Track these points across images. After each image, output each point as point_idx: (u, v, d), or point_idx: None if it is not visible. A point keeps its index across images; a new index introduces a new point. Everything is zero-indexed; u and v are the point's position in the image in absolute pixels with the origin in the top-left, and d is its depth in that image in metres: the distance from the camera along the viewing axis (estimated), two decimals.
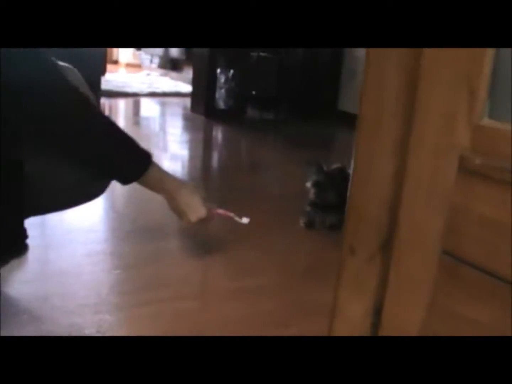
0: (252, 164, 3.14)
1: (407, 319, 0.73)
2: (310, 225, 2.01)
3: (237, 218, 1.64)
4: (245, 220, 1.65)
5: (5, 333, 1.15)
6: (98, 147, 1.24)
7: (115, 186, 1.37)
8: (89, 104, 1.22)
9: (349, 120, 3.90)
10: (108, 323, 1.26)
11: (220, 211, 1.61)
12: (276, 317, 1.37)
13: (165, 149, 3.15)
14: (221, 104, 4.07)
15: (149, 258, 1.67)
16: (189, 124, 4.04)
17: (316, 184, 2.00)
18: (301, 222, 2.02)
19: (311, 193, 2.01)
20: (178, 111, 4.50)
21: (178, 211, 1.46)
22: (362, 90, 0.75)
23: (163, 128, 3.90)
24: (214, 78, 3.97)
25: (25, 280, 1.45)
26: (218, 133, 3.84)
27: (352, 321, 0.96)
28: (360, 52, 3.99)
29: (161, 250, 1.76)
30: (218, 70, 4.02)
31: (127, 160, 1.32)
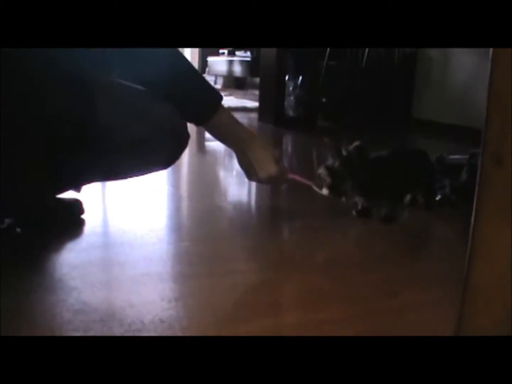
0: None
1: None
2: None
3: (316, 188, 1.45)
4: (325, 191, 1.45)
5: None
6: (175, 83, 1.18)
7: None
8: None
9: (424, 128, 3.68)
10: (173, 291, 1.12)
11: (297, 176, 1.42)
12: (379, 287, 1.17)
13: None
14: (290, 112, 3.88)
15: (219, 232, 1.47)
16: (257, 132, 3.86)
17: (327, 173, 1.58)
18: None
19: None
20: (245, 121, 4.34)
21: (247, 166, 1.30)
22: None
23: None
24: (282, 84, 3.80)
25: (81, 249, 1.27)
26: (288, 141, 3.64)
27: (498, 258, 0.74)
28: (433, 52, 3.76)
29: (232, 225, 1.58)
30: (287, 77, 3.85)
31: (201, 97, 1.19)
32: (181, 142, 1.23)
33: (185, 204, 1.87)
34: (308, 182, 1.48)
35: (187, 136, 1.24)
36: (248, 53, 5.66)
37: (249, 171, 1.34)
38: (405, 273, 1.26)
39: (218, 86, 6.59)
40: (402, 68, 3.99)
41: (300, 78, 3.90)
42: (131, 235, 1.40)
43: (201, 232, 1.50)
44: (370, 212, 1.62)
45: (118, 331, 0.91)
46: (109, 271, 1.22)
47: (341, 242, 1.52)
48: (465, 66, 3.51)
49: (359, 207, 1.62)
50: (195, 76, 1.23)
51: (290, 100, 3.91)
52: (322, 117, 4.02)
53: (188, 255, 1.33)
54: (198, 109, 1.24)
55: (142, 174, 1.27)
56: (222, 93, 4.45)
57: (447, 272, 1.24)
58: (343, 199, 1.56)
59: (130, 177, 1.32)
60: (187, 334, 0.91)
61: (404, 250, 1.45)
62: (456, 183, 1.88)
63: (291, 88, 3.92)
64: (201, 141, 3.15)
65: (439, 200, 1.86)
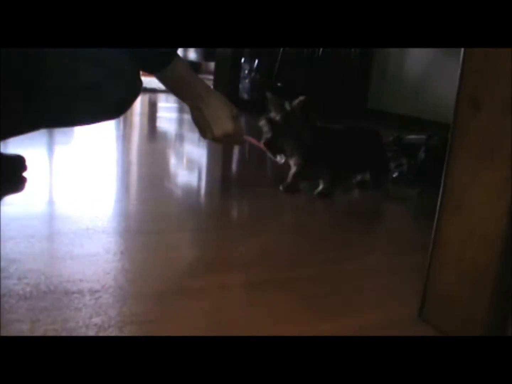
0: None
1: None
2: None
3: (270, 154, 1.39)
4: (279, 159, 1.40)
5: None
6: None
7: None
8: None
9: (379, 118, 3.67)
10: (119, 244, 1.05)
11: (252, 139, 1.35)
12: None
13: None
14: (244, 95, 3.82)
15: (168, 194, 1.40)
16: None
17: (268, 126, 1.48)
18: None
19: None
20: None
21: (201, 122, 1.23)
22: None
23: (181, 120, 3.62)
24: (237, 68, 3.72)
25: (22, 204, 1.18)
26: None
27: (469, 210, 0.70)
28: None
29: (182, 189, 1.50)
30: (242, 60, 3.78)
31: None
32: (134, 88, 1.15)
33: (134, 169, 1.78)
34: (263, 147, 1.41)
35: (140, 83, 1.16)
36: None
37: (204, 127, 1.27)
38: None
39: None
40: (359, 58, 3.98)
41: (256, 61, 3.85)
42: (77, 195, 1.31)
43: (150, 194, 1.43)
44: (298, 187, 1.57)
45: (56, 280, 0.83)
46: (50, 225, 1.13)
47: (290, 209, 1.47)
48: (420, 59, 3.52)
49: (289, 180, 1.56)
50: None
51: (245, 84, 3.85)
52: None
53: (136, 213, 1.25)
54: (153, 56, 1.16)
55: (92, 122, 1.18)
56: None
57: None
58: (278, 158, 1.47)
59: (79, 124, 1.23)
60: (132, 286, 0.85)
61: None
62: (413, 162, 1.87)
63: (246, 72, 3.86)
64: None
65: (395, 177, 1.83)
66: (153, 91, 4.36)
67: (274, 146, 1.47)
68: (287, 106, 1.49)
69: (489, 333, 0.73)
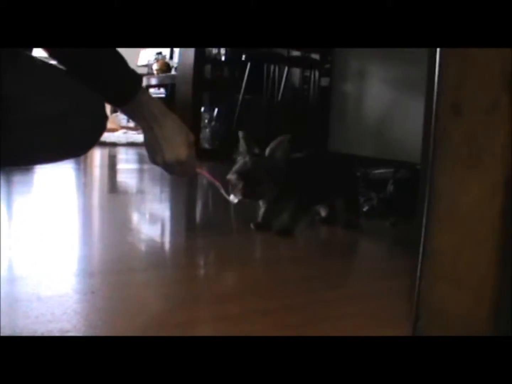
0: None
1: None
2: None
3: (224, 192, 1.33)
4: (233, 198, 1.35)
5: None
6: (93, 61, 1.05)
7: None
8: None
9: None
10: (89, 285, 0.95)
11: (206, 173, 1.29)
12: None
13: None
14: (205, 145, 3.80)
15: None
16: None
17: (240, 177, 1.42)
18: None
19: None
20: None
21: (153, 144, 1.15)
22: None
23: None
24: (198, 117, 3.71)
25: None
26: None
27: (459, 217, 0.67)
28: (348, 87, 3.82)
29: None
30: (202, 109, 3.78)
31: (121, 78, 1.07)
32: (100, 122, 1.10)
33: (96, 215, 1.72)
34: (217, 182, 1.35)
35: (105, 116, 1.11)
36: (162, 90, 5.60)
37: (155, 150, 1.17)
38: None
39: (131, 124, 6.44)
40: (318, 101, 4.02)
41: (216, 110, 3.85)
42: (39, 243, 1.25)
43: (116, 237, 1.37)
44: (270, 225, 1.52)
45: (22, 323, 0.77)
46: (12, 270, 1.06)
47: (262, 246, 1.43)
48: (379, 99, 3.57)
49: (259, 219, 1.53)
50: (116, 57, 1.12)
51: (205, 133, 3.83)
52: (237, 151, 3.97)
53: (102, 255, 1.19)
54: (119, 90, 1.12)
55: (54, 159, 1.12)
56: (135, 132, 4.31)
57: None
58: (232, 197, 1.38)
59: (41, 162, 1.16)
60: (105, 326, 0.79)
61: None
62: (382, 195, 1.85)
63: (206, 121, 3.86)
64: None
65: (366, 211, 1.81)
66: (113, 145, 4.33)
67: (252, 194, 1.42)
68: (256, 149, 1.46)
69: None
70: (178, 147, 1.16)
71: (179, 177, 1.27)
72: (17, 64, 0.98)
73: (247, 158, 1.44)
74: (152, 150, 1.17)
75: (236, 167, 1.44)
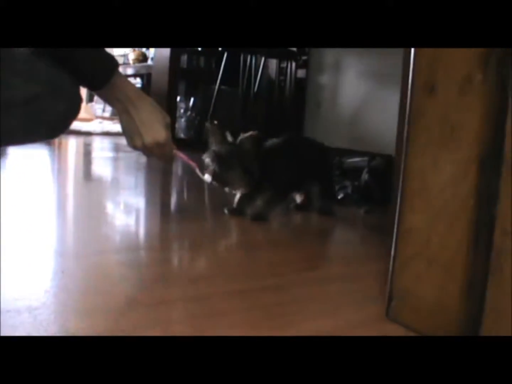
0: None
1: None
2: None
3: (199, 172, 1.34)
4: (207, 177, 1.35)
5: None
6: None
7: None
8: None
9: None
10: None
11: (182, 155, 1.29)
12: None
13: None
14: (181, 134, 3.78)
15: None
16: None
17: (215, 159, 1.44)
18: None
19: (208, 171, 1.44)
20: None
21: (130, 128, 1.14)
22: None
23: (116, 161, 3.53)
24: (173, 107, 3.69)
25: None
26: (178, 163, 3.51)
27: (432, 195, 0.67)
28: (324, 79, 3.82)
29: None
30: (178, 99, 3.75)
31: (96, 60, 1.06)
32: (73, 105, 1.08)
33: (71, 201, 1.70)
34: (193, 163, 1.35)
35: (80, 100, 1.09)
36: (138, 80, 5.54)
37: (133, 134, 1.15)
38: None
39: (106, 114, 6.37)
40: (293, 92, 4.02)
41: (192, 100, 3.83)
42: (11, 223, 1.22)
43: (90, 221, 1.35)
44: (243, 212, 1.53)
45: None
46: None
47: (236, 230, 1.42)
48: (355, 92, 3.58)
49: (235, 205, 1.54)
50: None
51: (181, 122, 3.81)
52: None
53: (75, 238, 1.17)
54: (95, 73, 1.10)
55: (27, 141, 1.10)
56: (111, 121, 4.25)
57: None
58: (206, 176, 1.40)
59: (13, 143, 1.14)
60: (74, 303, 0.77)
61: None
62: (357, 183, 1.86)
63: (182, 111, 3.83)
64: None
65: (341, 199, 1.82)
66: (88, 134, 4.28)
67: (221, 178, 1.43)
68: (230, 137, 1.47)
69: (462, 325, 0.69)
70: (156, 129, 1.15)
71: (158, 160, 1.26)
72: None
73: (222, 144, 1.45)
74: (130, 134, 1.16)
75: (210, 150, 1.45)
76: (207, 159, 1.44)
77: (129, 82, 1.17)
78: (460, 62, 0.70)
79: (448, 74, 0.71)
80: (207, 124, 1.55)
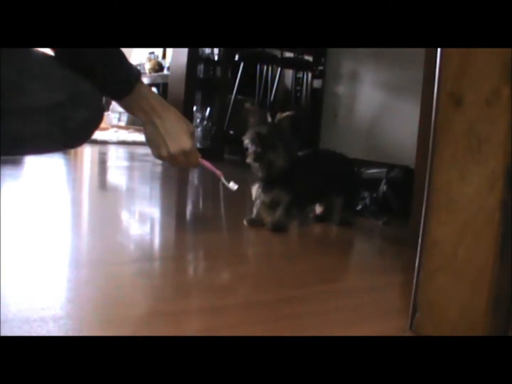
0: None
1: None
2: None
3: (224, 180, 1.33)
4: (233, 185, 1.34)
5: None
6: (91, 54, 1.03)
7: None
8: None
9: None
10: None
11: (207, 163, 1.29)
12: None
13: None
14: (197, 144, 3.79)
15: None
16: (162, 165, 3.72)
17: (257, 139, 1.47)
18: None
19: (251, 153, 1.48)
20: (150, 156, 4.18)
21: (155, 139, 1.14)
22: None
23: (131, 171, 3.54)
24: (190, 116, 3.70)
25: None
26: (195, 173, 3.51)
27: (459, 208, 0.67)
28: (341, 89, 3.82)
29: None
30: (194, 108, 3.77)
31: (119, 70, 1.06)
32: (96, 113, 1.08)
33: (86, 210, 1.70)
34: (218, 172, 1.35)
35: (102, 108, 1.10)
36: (154, 89, 5.58)
37: (158, 144, 1.16)
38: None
39: (122, 123, 6.41)
40: (310, 103, 4.02)
41: (208, 110, 3.84)
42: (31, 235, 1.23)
43: (106, 229, 1.36)
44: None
45: (14, 309, 0.75)
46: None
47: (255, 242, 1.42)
48: (371, 102, 3.57)
49: (253, 216, 1.54)
50: (114, 50, 1.10)
51: (197, 132, 3.82)
52: (228, 151, 3.97)
53: (94, 247, 1.18)
54: (118, 83, 1.10)
55: (50, 150, 1.10)
56: (127, 130, 4.28)
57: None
58: (231, 184, 1.39)
59: (36, 152, 1.14)
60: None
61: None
62: (376, 194, 1.85)
63: (198, 120, 3.85)
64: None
65: (359, 210, 1.81)
66: (104, 143, 4.31)
67: (263, 158, 1.47)
68: (269, 117, 1.51)
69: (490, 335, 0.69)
70: (181, 137, 1.16)
71: (184, 168, 1.26)
72: (15, 53, 0.96)
73: (262, 124, 1.50)
74: (155, 144, 1.16)
75: (251, 131, 1.50)
76: (246, 140, 1.50)
77: (153, 92, 1.17)
78: (487, 74, 0.70)
79: (475, 87, 0.71)
80: (247, 105, 1.62)
